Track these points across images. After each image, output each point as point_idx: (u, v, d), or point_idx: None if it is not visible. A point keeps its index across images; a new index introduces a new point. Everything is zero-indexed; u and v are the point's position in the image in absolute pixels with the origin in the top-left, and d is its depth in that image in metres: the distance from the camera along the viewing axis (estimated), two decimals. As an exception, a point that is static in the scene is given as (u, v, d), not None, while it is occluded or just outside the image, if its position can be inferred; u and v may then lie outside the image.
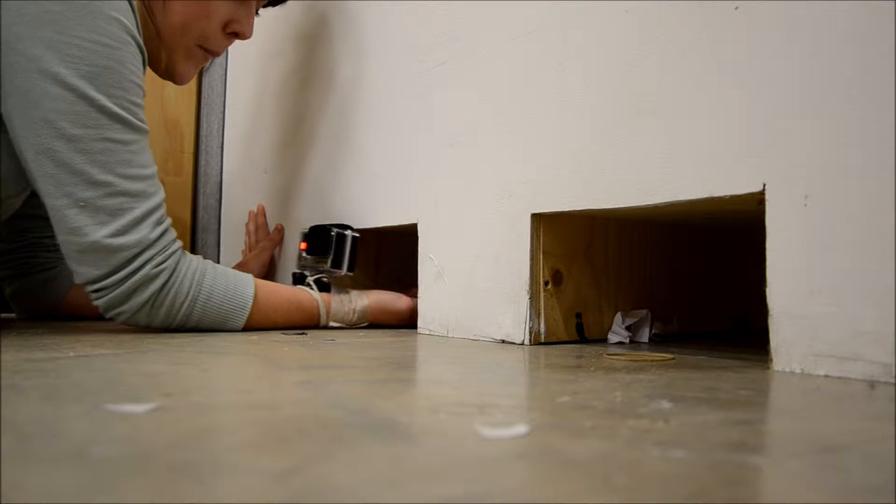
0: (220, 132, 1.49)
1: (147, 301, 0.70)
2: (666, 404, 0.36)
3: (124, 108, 0.67)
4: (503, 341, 0.72)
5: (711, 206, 0.58)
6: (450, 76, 0.81)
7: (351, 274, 0.93)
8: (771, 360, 0.50)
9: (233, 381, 0.43)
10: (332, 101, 1.04)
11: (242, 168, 1.38)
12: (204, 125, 1.49)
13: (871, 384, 0.43)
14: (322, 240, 0.92)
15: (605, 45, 0.63)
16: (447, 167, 0.81)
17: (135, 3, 0.69)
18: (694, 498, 0.21)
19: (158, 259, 0.70)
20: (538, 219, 0.70)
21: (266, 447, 0.26)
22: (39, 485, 0.21)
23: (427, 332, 0.82)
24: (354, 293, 0.87)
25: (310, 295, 0.84)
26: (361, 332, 0.80)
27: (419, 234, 0.85)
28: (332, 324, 0.84)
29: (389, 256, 1.13)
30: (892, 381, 0.43)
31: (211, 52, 0.85)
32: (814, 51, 0.48)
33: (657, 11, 0.59)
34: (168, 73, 0.85)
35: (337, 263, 0.91)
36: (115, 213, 0.67)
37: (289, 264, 1.15)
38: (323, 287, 0.88)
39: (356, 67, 0.99)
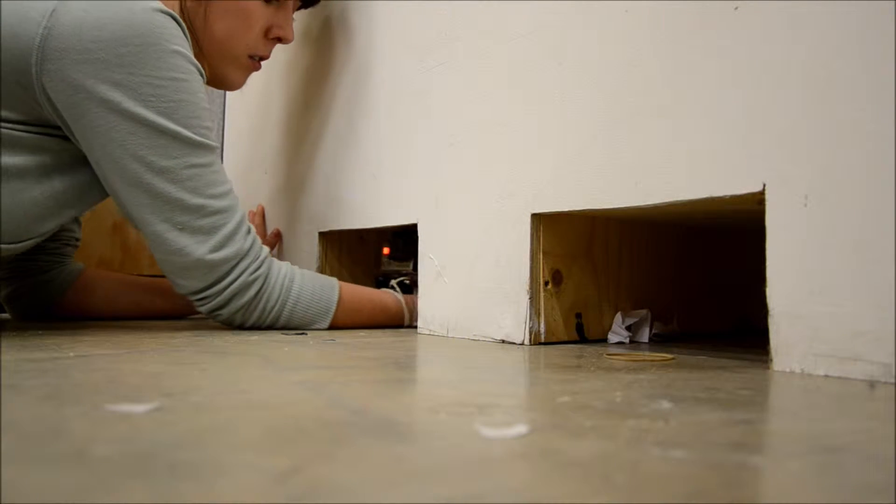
0: (221, 133, 1.49)
1: (243, 306, 0.77)
2: (666, 404, 0.36)
3: (201, 135, 0.72)
4: (503, 341, 0.72)
5: (711, 206, 0.58)
6: (450, 76, 0.81)
7: None
8: (771, 360, 0.50)
9: (233, 381, 0.43)
10: (333, 101, 1.04)
11: (242, 169, 1.38)
12: (204, 125, 1.49)
13: (871, 384, 0.43)
14: (403, 245, 0.97)
15: (605, 45, 0.63)
16: (447, 167, 0.81)
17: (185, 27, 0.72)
18: (694, 498, 0.21)
19: (253, 267, 0.77)
20: (538, 219, 0.70)
21: (266, 447, 0.26)
22: (39, 485, 0.21)
23: (427, 332, 0.82)
24: None
25: (393, 297, 0.89)
26: (362, 332, 0.80)
27: (419, 234, 0.85)
28: (416, 323, 0.88)
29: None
30: (892, 381, 0.43)
31: (259, 58, 0.89)
32: (814, 51, 0.48)
33: (657, 11, 0.59)
34: (218, 81, 0.89)
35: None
36: (211, 231, 0.73)
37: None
38: (406, 289, 0.92)
39: (357, 68, 0.99)
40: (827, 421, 0.33)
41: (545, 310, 0.70)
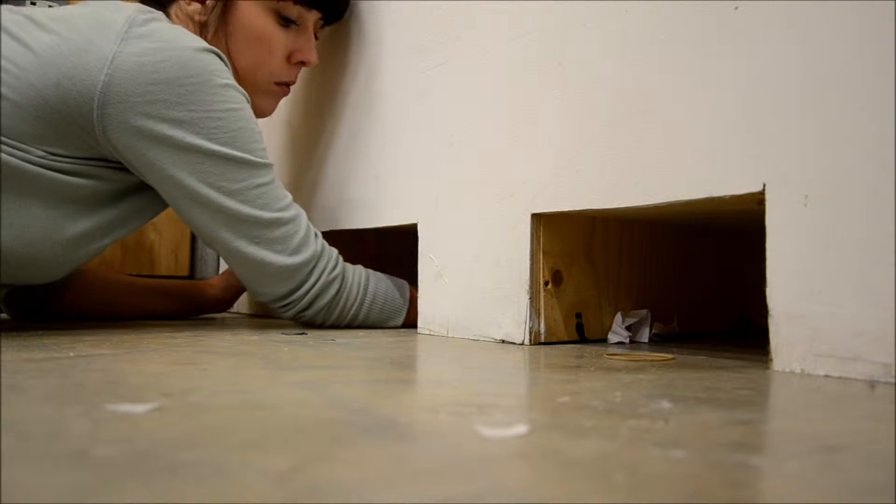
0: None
1: (325, 306, 0.82)
2: (666, 404, 0.36)
3: (261, 157, 0.77)
4: (503, 341, 0.72)
5: (711, 207, 0.58)
6: (450, 76, 0.81)
7: None
8: (771, 360, 0.50)
9: (233, 381, 0.43)
10: (334, 102, 1.04)
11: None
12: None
13: (871, 384, 0.43)
14: None
15: (605, 45, 0.63)
16: (447, 167, 0.81)
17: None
18: (694, 498, 0.21)
19: (330, 267, 0.81)
20: (538, 219, 0.70)
21: (266, 447, 0.26)
22: (39, 485, 0.21)
23: (427, 332, 0.82)
24: None
25: None
26: (361, 332, 0.80)
27: (419, 234, 0.85)
28: None
29: (390, 256, 1.13)
30: (892, 381, 0.43)
31: (285, 83, 0.91)
32: (814, 51, 0.48)
33: (657, 11, 0.59)
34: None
35: None
36: (286, 240, 0.78)
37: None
38: None
39: (356, 69, 0.99)
40: (827, 421, 0.33)
41: (545, 310, 0.70)
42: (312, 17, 0.90)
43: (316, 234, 0.81)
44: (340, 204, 1.01)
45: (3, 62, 0.67)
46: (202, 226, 0.77)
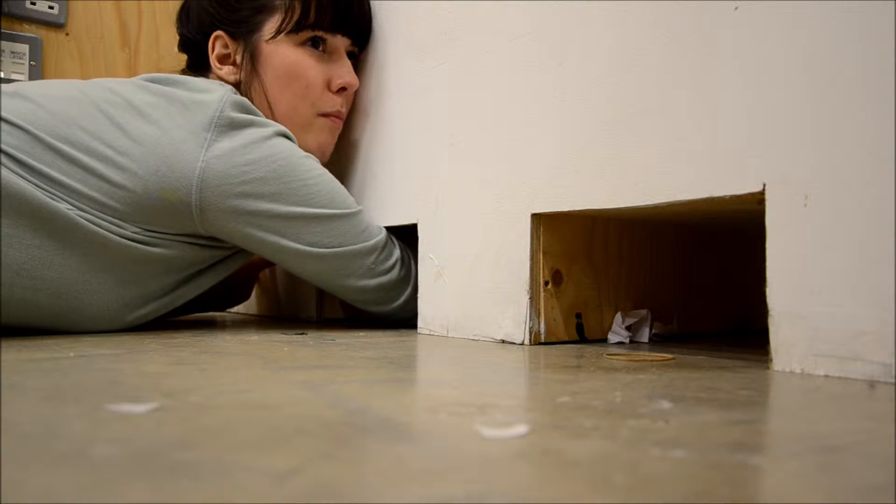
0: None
1: (406, 301, 0.89)
2: (666, 404, 0.36)
3: (353, 207, 0.84)
4: (503, 341, 0.72)
5: (711, 206, 0.58)
6: (450, 76, 0.81)
7: None
8: (771, 360, 0.50)
9: (233, 381, 0.43)
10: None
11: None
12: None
13: (871, 384, 0.43)
14: None
15: (605, 45, 0.63)
16: (447, 167, 0.81)
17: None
18: (694, 498, 0.21)
19: (412, 270, 0.90)
20: (538, 219, 0.70)
21: (266, 447, 0.26)
22: (39, 485, 0.21)
23: (427, 332, 0.82)
24: None
25: None
26: (361, 332, 0.80)
27: (419, 234, 0.85)
28: None
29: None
30: (892, 381, 0.43)
31: (331, 115, 0.92)
32: (814, 50, 0.48)
33: (657, 11, 0.59)
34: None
35: None
36: (385, 261, 0.86)
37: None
38: None
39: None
40: (827, 421, 0.33)
41: (545, 310, 0.70)
42: (342, 42, 0.91)
43: (398, 245, 0.88)
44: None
45: (105, 149, 0.73)
46: (312, 274, 0.84)
